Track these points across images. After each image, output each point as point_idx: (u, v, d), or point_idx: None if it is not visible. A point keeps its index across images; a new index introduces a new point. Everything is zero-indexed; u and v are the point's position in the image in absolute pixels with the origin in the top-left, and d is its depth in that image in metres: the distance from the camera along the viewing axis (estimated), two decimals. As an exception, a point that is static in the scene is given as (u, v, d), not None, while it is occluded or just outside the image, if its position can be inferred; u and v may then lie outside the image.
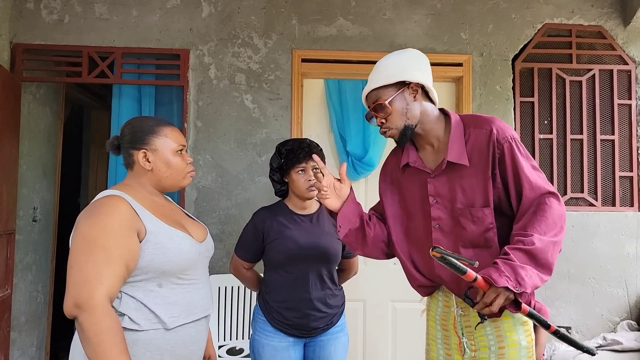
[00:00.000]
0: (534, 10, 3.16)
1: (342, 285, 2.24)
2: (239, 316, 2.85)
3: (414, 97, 1.55)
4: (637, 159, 3.15)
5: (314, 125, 3.17)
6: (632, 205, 3.13)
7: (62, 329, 3.51)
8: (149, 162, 1.52)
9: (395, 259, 3.30)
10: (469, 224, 1.52)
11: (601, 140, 3.15)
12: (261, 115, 3.06)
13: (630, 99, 3.17)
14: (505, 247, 1.39)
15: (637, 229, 3.10)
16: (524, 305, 1.37)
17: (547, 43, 3.19)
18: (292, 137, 2.95)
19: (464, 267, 1.31)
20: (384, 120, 1.57)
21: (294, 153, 2.06)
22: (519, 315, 1.48)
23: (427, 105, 1.58)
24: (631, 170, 3.14)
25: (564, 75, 3.16)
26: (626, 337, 2.88)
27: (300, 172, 2.05)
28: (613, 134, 3.15)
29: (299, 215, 2.12)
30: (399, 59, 1.57)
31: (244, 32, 3.08)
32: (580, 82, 3.17)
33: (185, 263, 1.47)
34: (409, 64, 1.55)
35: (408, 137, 1.58)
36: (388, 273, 3.15)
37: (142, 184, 1.54)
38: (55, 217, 3.43)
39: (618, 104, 3.16)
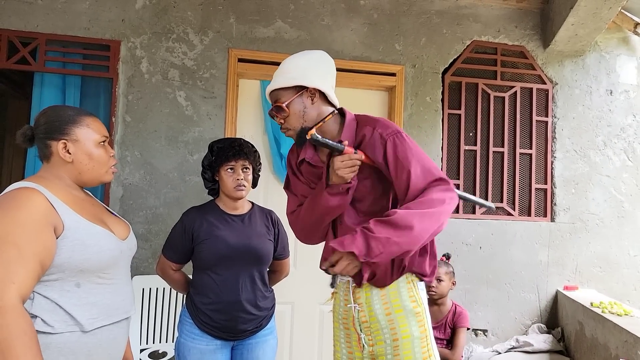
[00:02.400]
0: (464, 27, 3.33)
1: (272, 287, 2.23)
2: (163, 319, 2.77)
3: (312, 100, 1.59)
4: (552, 172, 3.38)
5: (249, 126, 3.14)
6: (545, 215, 3.36)
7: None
8: (69, 153, 1.42)
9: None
10: (365, 212, 1.61)
11: (520, 153, 3.36)
12: (194, 113, 2.99)
13: (547, 116, 3.40)
14: (371, 219, 1.44)
15: (549, 238, 3.32)
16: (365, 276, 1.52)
17: (474, 59, 3.36)
18: (226, 137, 2.91)
19: (339, 144, 1.46)
20: (282, 121, 1.60)
21: (224, 151, 2.03)
22: (410, 307, 1.56)
23: (325, 108, 1.62)
24: (546, 183, 3.37)
25: (489, 91, 3.34)
26: (536, 339, 3.07)
27: (229, 170, 2.03)
28: (531, 148, 3.37)
29: (230, 215, 2.09)
30: (301, 63, 1.60)
31: (179, 27, 3.01)
32: (504, 98, 3.36)
33: (105, 261, 1.40)
34: (310, 69, 1.58)
35: (305, 139, 1.58)
36: (317, 276, 3.16)
37: (59, 176, 1.43)
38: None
39: (536, 121, 3.39)
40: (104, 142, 1.49)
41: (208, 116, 3.00)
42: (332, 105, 1.65)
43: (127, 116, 2.93)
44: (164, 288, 2.76)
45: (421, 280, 1.63)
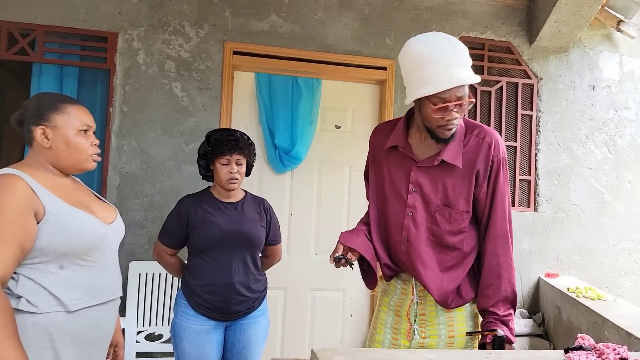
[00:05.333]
0: (453, 22, 3.43)
1: (265, 271, 2.32)
2: (159, 302, 2.86)
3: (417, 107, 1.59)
4: (536, 164, 3.50)
5: (243, 117, 3.23)
6: (529, 206, 3.49)
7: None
8: (47, 139, 1.44)
9: (317, 249, 3.45)
10: (444, 223, 1.59)
11: (506, 146, 3.47)
12: (190, 104, 3.08)
13: (532, 110, 3.52)
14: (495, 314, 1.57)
15: (532, 227, 3.45)
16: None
17: (463, 54, 3.45)
18: (221, 128, 2.99)
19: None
20: (458, 116, 1.51)
21: (220, 144, 2.09)
22: (470, 309, 1.66)
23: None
24: (530, 175, 3.49)
25: (476, 85, 3.45)
26: (518, 324, 3.20)
27: (224, 163, 2.09)
28: (516, 141, 3.49)
29: (224, 203, 2.17)
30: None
31: (175, 20, 3.08)
32: (490, 92, 3.47)
33: (88, 244, 1.43)
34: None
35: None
36: (310, 262, 3.29)
37: (41, 162, 1.46)
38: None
39: (521, 114, 3.51)
40: (85, 130, 1.50)
41: (203, 107, 3.09)
42: None
43: (124, 106, 3.00)
44: (160, 273, 2.86)
45: None
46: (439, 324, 1.62)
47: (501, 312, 1.56)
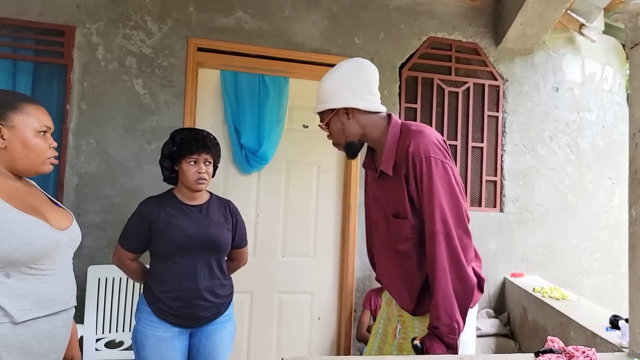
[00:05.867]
0: (421, 23, 3.42)
1: (230, 275, 2.26)
2: (119, 308, 2.75)
3: (347, 117, 1.65)
4: (502, 165, 3.54)
5: (208, 115, 3.14)
6: (495, 206, 3.52)
7: None
8: (3, 139, 1.37)
9: (284, 252, 3.40)
10: (394, 231, 1.65)
11: (472, 147, 3.50)
12: (152, 101, 2.97)
13: (498, 111, 3.55)
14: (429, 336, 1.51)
15: (498, 227, 3.49)
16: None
17: (430, 55, 3.46)
18: (186, 127, 2.90)
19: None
20: (328, 136, 1.73)
21: (187, 143, 2.03)
22: None
23: (367, 119, 1.66)
24: (496, 175, 3.53)
25: (444, 86, 3.46)
26: (484, 324, 3.23)
27: (191, 163, 2.03)
28: (482, 142, 3.52)
29: (188, 205, 2.10)
30: (329, 85, 1.66)
31: (137, 15, 2.97)
32: (457, 93, 3.49)
33: (37, 252, 1.35)
34: (339, 90, 1.64)
35: (355, 150, 1.70)
36: (277, 265, 3.23)
37: None
38: None
39: (488, 115, 3.54)
40: (44, 132, 1.44)
41: (166, 105, 2.98)
42: (376, 111, 1.68)
43: (83, 104, 2.87)
44: (120, 277, 2.75)
45: None
46: (414, 327, 1.65)
47: (431, 322, 1.51)
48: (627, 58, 4.21)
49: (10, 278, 1.31)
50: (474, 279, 1.53)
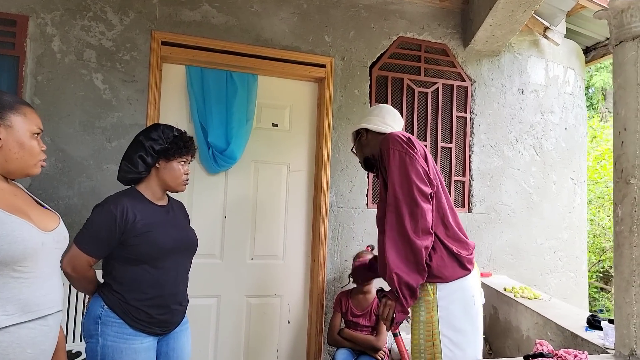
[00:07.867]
0: (391, 22, 3.40)
1: None
2: (69, 318, 2.58)
3: (365, 138, 2.20)
4: (470, 166, 3.56)
5: (173, 112, 3.01)
6: (463, 206, 3.53)
7: None
8: (0, 138, 1.36)
9: (253, 254, 3.30)
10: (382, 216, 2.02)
11: (441, 147, 3.50)
12: (113, 97, 2.81)
13: (466, 112, 3.57)
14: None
15: (466, 227, 3.44)
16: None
17: (400, 54, 3.44)
18: (150, 124, 2.76)
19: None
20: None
21: (183, 142, 1.95)
22: (421, 296, 1.91)
23: (378, 137, 2.11)
24: (464, 176, 3.54)
25: (414, 86, 3.44)
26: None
27: (182, 163, 1.96)
28: (451, 142, 3.52)
29: (158, 206, 1.97)
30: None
31: (96, 5, 2.80)
32: (427, 93, 3.48)
33: (21, 253, 1.30)
34: (362, 118, 2.26)
35: (371, 164, 2.20)
36: (245, 268, 3.12)
37: None
38: None
39: (456, 116, 3.54)
40: (37, 134, 1.45)
41: (128, 101, 2.83)
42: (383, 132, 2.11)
43: (36, 98, 2.68)
44: (68, 284, 2.55)
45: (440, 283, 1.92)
46: (412, 313, 1.98)
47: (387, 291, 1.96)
48: (587, 62, 4.34)
49: None
50: (421, 242, 1.82)
